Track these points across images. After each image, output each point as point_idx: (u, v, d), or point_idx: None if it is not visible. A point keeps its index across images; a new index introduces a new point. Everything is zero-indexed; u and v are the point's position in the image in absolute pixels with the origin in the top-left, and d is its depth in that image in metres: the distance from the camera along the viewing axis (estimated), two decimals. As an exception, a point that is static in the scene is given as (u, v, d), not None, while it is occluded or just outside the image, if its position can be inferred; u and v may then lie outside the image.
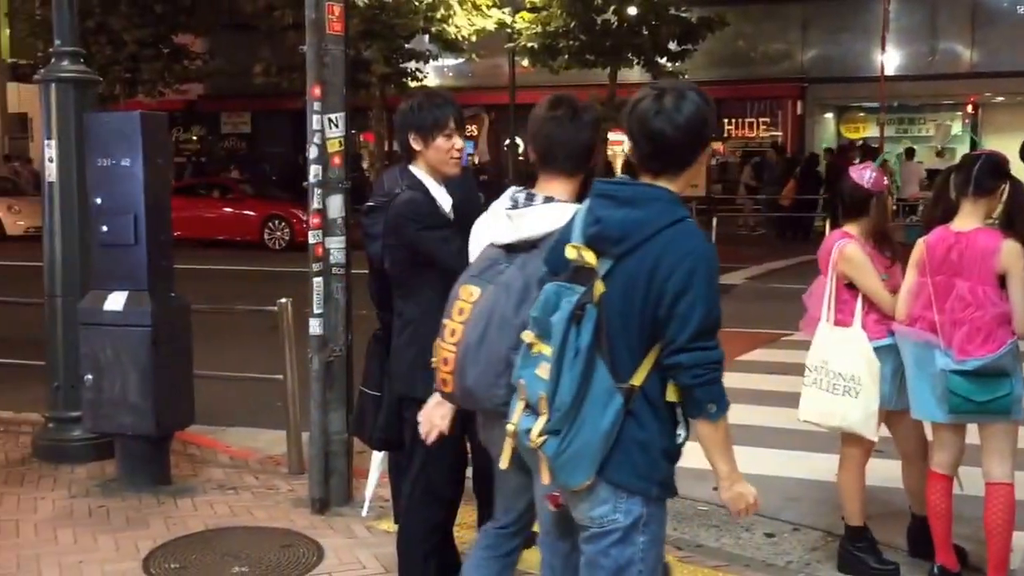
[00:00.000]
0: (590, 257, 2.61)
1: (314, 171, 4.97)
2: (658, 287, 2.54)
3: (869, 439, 4.34)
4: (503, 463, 2.76)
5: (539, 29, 21.91)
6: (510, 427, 2.66)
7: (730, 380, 2.59)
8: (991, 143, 20.21)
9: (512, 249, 2.98)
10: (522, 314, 2.75)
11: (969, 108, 25.87)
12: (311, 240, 5.01)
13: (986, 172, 4.10)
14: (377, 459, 4.35)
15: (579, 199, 2.96)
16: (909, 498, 4.64)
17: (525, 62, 22.93)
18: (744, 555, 4.72)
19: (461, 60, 24.37)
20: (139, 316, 5.37)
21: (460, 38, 21.65)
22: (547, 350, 2.54)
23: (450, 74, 27.28)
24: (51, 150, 6.00)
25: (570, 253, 2.64)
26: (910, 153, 22.76)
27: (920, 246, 4.19)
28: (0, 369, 7.39)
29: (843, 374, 4.27)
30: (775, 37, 26.86)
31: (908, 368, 4.23)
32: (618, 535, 2.64)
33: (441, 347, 2.98)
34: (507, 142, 25.51)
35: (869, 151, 21.27)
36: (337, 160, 5.01)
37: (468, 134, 25.04)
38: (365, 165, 25.66)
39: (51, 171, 6.02)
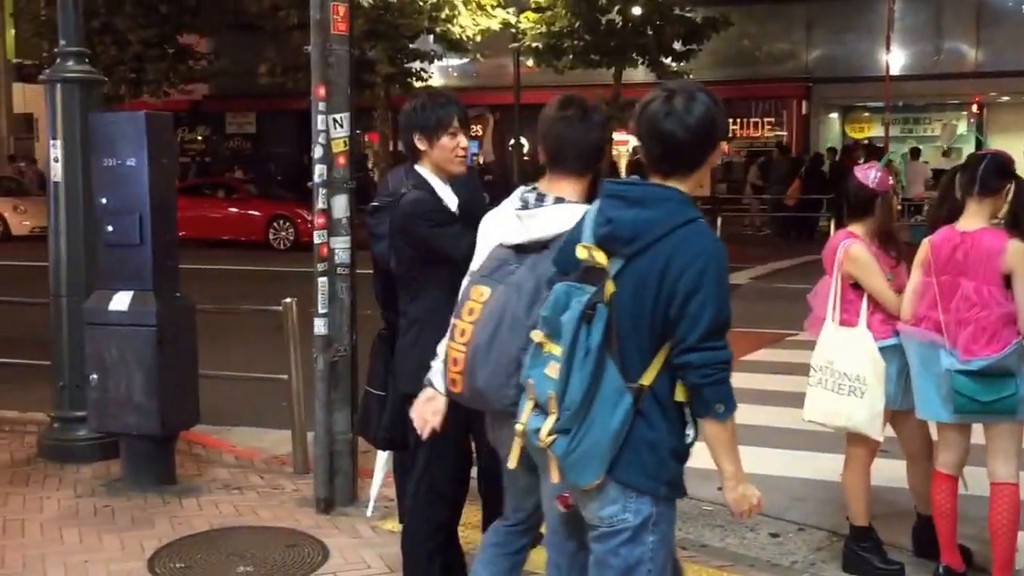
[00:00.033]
0: (601, 257, 2.62)
1: (319, 171, 4.97)
2: (669, 287, 2.55)
3: (875, 439, 4.33)
4: (512, 463, 2.77)
5: (543, 29, 21.92)
6: (519, 427, 2.67)
7: (735, 380, 2.60)
8: (996, 143, 20.17)
9: (522, 249, 2.98)
10: (533, 315, 2.75)
11: (974, 108, 25.85)
12: (316, 240, 5.01)
13: (991, 172, 4.09)
14: (382, 459, 4.35)
15: (588, 199, 2.96)
16: (914, 498, 4.64)
17: (530, 62, 22.94)
18: (749, 555, 4.71)
19: (466, 60, 24.38)
20: (144, 316, 5.37)
21: (465, 38, 21.67)
22: (556, 350, 2.55)
23: (455, 74, 27.30)
24: (56, 150, 6.01)
25: (581, 253, 2.65)
26: (915, 153, 22.71)
27: (925, 246, 4.19)
28: (6, 369, 7.42)
29: (848, 374, 4.27)
30: (780, 37, 26.86)
31: (913, 368, 4.23)
32: (627, 534, 2.65)
33: (451, 347, 2.98)
34: (511, 142, 25.52)
35: (874, 151, 21.24)
36: (342, 160, 5.01)
37: (473, 134, 25.03)
38: (370, 165, 25.68)
39: (56, 171, 6.03)
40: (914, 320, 4.18)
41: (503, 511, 3.36)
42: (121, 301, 5.42)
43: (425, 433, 3.26)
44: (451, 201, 3.68)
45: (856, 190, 4.40)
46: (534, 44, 22.16)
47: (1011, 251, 3.96)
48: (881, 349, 4.24)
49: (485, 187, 4.26)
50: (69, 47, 6.05)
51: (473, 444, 3.72)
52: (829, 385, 4.34)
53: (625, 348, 2.60)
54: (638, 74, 22.83)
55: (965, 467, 4.27)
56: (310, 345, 5.12)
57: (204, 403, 5.82)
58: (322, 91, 4.96)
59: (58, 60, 6.12)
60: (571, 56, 21.98)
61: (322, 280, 5.00)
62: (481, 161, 27.46)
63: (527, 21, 22.20)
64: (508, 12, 22.15)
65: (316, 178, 4.97)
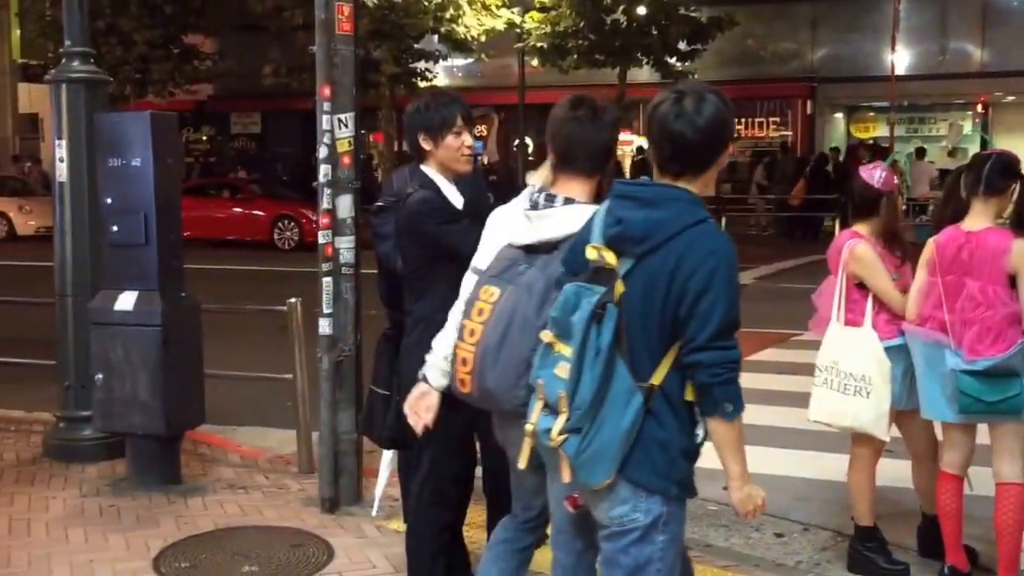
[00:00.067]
0: (610, 257, 2.62)
1: (324, 171, 4.98)
2: (680, 286, 2.56)
3: (880, 439, 4.33)
4: (522, 463, 2.77)
5: (548, 29, 21.89)
6: (529, 427, 2.67)
7: (740, 380, 2.60)
8: (1002, 142, 20.01)
9: (532, 250, 2.98)
10: (544, 315, 2.75)
11: (979, 108, 25.79)
12: (321, 240, 5.02)
13: (997, 171, 4.09)
14: (387, 458, 4.35)
15: (596, 200, 2.96)
16: (919, 498, 4.63)
17: (535, 62, 22.90)
18: (754, 555, 4.71)
19: (470, 60, 24.35)
20: (149, 316, 5.38)
21: (469, 38, 21.64)
22: (566, 350, 2.56)
23: (459, 74, 27.29)
24: (62, 150, 6.02)
25: (590, 254, 2.65)
26: (920, 153, 22.70)
27: (930, 246, 4.18)
28: (11, 369, 7.43)
29: (854, 374, 4.26)
30: (785, 37, 26.81)
31: (918, 368, 4.22)
32: (638, 534, 2.65)
33: (460, 347, 2.98)
34: (516, 142, 25.51)
35: (879, 151, 21.22)
36: (347, 160, 5.02)
37: (478, 134, 25.04)
38: (375, 165, 25.68)
39: (62, 171, 6.04)
40: (919, 320, 4.17)
41: (509, 511, 3.36)
42: (126, 301, 5.43)
43: (418, 429, 3.26)
44: (457, 200, 3.69)
45: (861, 190, 4.39)
46: (539, 44, 22.13)
47: (1016, 251, 3.95)
48: (886, 349, 4.23)
49: (489, 187, 4.27)
50: (74, 47, 6.06)
51: (478, 444, 3.72)
52: (834, 385, 4.34)
53: (635, 348, 2.61)
54: (643, 74, 22.80)
55: (970, 467, 4.26)
56: (315, 345, 5.12)
57: (209, 403, 5.83)
58: (327, 91, 4.96)
59: (63, 60, 6.13)
60: (576, 56, 21.94)
61: (327, 280, 5.00)
62: (486, 161, 27.44)
63: (532, 21, 22.17)
64: (513, 12, 22.11)
65: (321, 178, 4.98)
